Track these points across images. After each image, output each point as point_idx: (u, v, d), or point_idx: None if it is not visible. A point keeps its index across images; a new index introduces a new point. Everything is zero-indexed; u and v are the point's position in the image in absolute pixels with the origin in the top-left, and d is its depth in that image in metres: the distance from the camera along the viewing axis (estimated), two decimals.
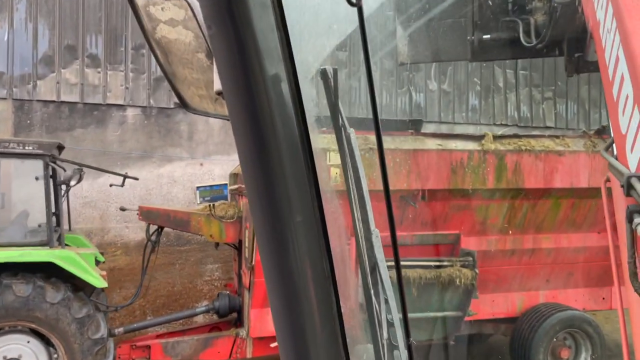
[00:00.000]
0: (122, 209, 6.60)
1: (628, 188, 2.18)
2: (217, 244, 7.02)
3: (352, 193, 1.21)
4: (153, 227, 6.74)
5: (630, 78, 2.34)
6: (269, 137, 0.79)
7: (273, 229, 0.83)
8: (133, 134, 8.43)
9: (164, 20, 1.46)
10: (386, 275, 1.15)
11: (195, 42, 1.45)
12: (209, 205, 5.67)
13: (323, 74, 1.06)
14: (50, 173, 6.49)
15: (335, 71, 1.07)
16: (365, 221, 1.18)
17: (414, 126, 6.31)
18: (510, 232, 6.73)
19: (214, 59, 0.88)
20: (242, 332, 6.53)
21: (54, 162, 5.75)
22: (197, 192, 5.38)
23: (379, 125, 1.02)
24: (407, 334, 1.07)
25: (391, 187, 4.53)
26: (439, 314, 6.43)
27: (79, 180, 5.72)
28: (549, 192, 6.47)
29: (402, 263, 6.12)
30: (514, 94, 11.23)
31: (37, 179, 5.59)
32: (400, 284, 1.08)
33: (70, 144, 8.13)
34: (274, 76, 0.78)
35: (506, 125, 11.04)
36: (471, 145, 6.36)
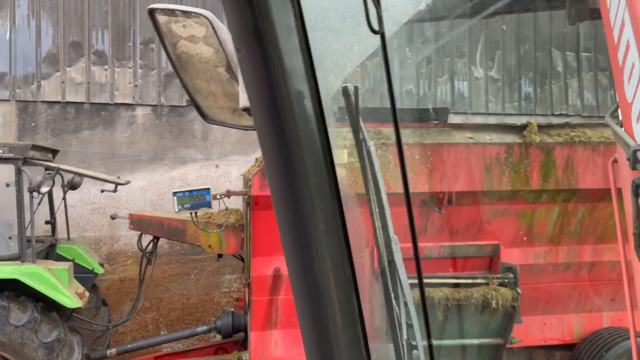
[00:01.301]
0: (113, 217, 5.98)
1: (634, 161, 2.10)
2: (219, 256, 6.26)
3: (372, 202, 1.25)
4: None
5: (637, 46, 2.16)
6: (294, 150, 0.85)
7: (298, 237, 0.89)
8: (143, 134, 7.85)
9: (185, 37, 1.50)
10: (405, 279, 1.21)
11: (215, 57, 1.48)
12: (191, 215, 4.91)
13: (345, 91, 1.15)
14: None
15: (356, 89, 1.15)
16: (385, 229, 1.25)
17: (438, 116, 5.27)
18: (562, 241, 5.55)
19: (239, 78, 0.99)
20: (245, 356, 5.74)
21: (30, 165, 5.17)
22: (175, 198, 4.63)
23: (399, 133, 1.08)
24: (429, 335, 1.13)
25: (411, 190, 3.23)
26: (475, 341, 5.35)
27: (52, 186, 5.11)
28: (610, 193, 5.22)
29: (425, 281, 5.13)
30: (576, 79, 9.82)
31: (7, 185, 5.02)
32: (421, 288, 1.10)
33: (77, 147, 7.66)
34: (298, 93, 0.84)
35: (567, 115, 9.66)
36: (510, 138, 5.25)
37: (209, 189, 4.60)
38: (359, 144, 1.19)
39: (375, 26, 0.88)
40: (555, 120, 8.97)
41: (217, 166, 8.07)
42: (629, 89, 2.31)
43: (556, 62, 9.75)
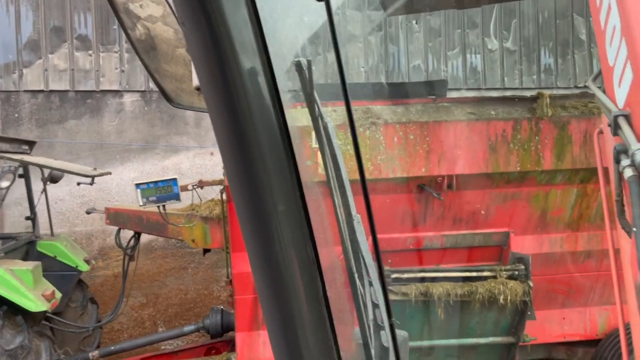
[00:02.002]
0: (89, 212, 5.58)
1: (615, 127, 2.11)
2: (204, 251, 5.82)
3: (332, 180, 1.20)
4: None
5: (618, 9, 2.17)
6: (248, 129, 0.81)
7: (256, 219, 0.85)
8: (132, 122, 7.44)
9: (143, 17, 1.49)
10: (369, 258, 1.16)
11: (175, 37, 1.50)
12: (159, 208, 4.46)
13: (298, 65, 1.06)
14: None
15: (309, 63, 1.06)
16: (347, 207, 1.18)
17: (435, 90, 4.68)
18: (582, 227, 4.93)
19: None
20: (234, 357, 5.31)
21: None
22: (138, 191, 4.17)
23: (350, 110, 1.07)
24: (389, 314, 1.12)
25: (406, 174, 4.02)
26: (482, 340, 4.80)
27: (13, 181, 4.72)
28: None
29: (425, 275, 4.58)
30: None
31: None
32: (380, 268, 1.15)
33: (63, 138, 7.30)
34: (250, 69, 0.80)
35: None
36: (518, 112, 4.63)
37: (175, 179, 4.13)
38: (315, 120, 1.13)
39: None
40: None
41: (212, 154, 7.62)
42: (611, 52, 2.24)
43: (579, 30, 8.95)
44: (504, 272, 4.63)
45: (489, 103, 4.68)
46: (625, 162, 2.04)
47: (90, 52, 7.37)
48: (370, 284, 1.18)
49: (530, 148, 4.57)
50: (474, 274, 4.65)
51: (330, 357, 0.96)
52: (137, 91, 7.46)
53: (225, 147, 0.82)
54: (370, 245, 1.16)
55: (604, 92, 2.36)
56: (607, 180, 2.49)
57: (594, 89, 2.47)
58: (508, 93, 8.65)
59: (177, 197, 4.24)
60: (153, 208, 5.05)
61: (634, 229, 2.01)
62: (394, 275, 4.62)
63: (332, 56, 7.75)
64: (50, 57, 7.30)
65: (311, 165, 3.72)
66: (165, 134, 7.56)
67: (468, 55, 8.52)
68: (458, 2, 3.88)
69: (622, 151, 2.09)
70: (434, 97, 4.68)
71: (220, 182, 4.63)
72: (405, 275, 4.63)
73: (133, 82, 7.46)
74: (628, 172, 2.02)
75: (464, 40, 8.50)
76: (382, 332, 1.15)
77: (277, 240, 0.86)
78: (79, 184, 5.61)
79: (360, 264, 1.19)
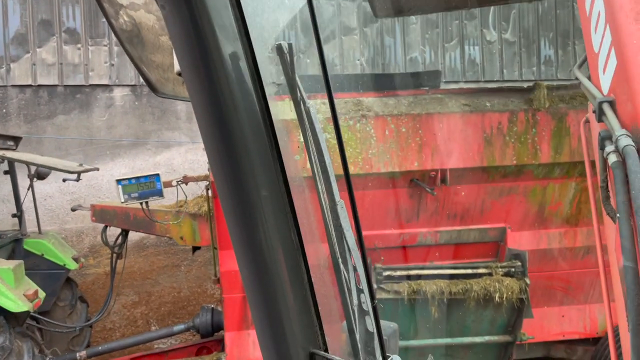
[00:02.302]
0: (74, 209, 5.44)
1: (599, 114, 2.12)
2: (194, 249, 5.68)
3: (315, 166, 1.18)
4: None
5: None
6: (231, 114, 0.80)
7: (240, 204, 0.84)
8: (123, 117, 7.29)
9: (126, 5, 1.42)
10: (353, 243, 1.16)
11: (158, 25, 1.43)
12: (141, 205, 4.32)
13: (279, 49, 1.04)
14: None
15: (290, 46, 1.04)
16: (330, 192, 1.17)
17: (428, 81, 4.51)
18: (581, 222, 4.77)
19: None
20: (224, 357, 5.18)
21: None
22: (119, 187, 4.03)
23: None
24: (372, 297, 1.15)
25: (398, 168, 3.96)
26: (477, 339, 4.65)
27: None
28: None
29: (419, 272, 4.43)
30: None
31: None
32: (362, 252, 1.13)
33: (52, 133, 7.16)
34: (231, 54, 0.79)
35: None
36: (514, 103, 4.47)
37: (158, 175, 3.99)
38: (297, 104, 1.11)
39: None
40: None
41: (204, 149, 7.46)
42: (596, 39, 2.23)
43: (580, 20, 8.75)
44: (500, 269, 4.49)
45: (484, 94, 4.52)
46: (609, 148, 2.02)
47: (79, 45, 7.22)
48: (355, 268, 1.18)
49: (527, 141, 4.42)
50: (469, 271, 4.51)
51: (315, 342, 0.95)
52: (128, 85, 7.31)
53: (206, 132, 0.81)
54: (353, 230, 1.17)
55: (589, 79, 2.33)
56: (594, 173, 2.40)
57: (579, 75, 2.45)
58: (507, 86, 8.48)
59: (160, 194, 4.09)
60: (137, 205, 4.91)
61: (618, 215, 1.97)
62: (386, 273, 4.47)
63: (327, 47, 7.58)
64: (38, 51, 7.15)
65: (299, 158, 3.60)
66: (157, 129, 7.41)
67: (466, 47, 8.34)
68: (447, 4, 3.70)
69: (606, 137, 2.06)
70: (427, 88, 4.52)
71: (205, 178, 4.48)
72: (398, 273, 4.48)
73: (123, 76, 7.30)
74: (612, 158, 1.99)
75: (462, 31, 8.32)
76: (366, 317, 1.15)
77: (260, 225, 0.85)
78: (64, 180, 5.47)
79: (344, 249, 1.18)
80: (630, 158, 1.90)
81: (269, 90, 0.87)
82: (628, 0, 2.07)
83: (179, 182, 4.38)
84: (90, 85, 7.22)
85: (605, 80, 2.15)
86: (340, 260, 1.18)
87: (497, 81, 8.38)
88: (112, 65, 7.27)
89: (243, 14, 0.79)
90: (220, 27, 0.76)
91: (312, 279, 0.95)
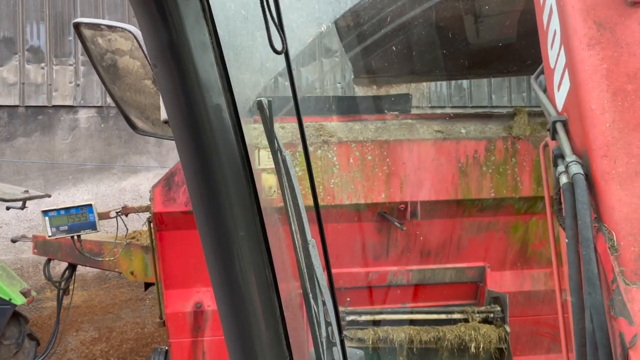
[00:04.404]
0: (14, 241, 5.00)
1: (553, 132, 2.17)
2: (146, 285, 5.22)
3: (289, 208, 1.31)
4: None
5: (558, 15, 2.19)
6: (213, 160, 0.89)
7: (219, 243, 0.93)
8: (87, 140, 6.89)
9: (112, 50, 1.52)
10: (323, 280, 1.25)
11: (142, 70, 1.49)
12: (73, 239, 3.88)
13: (259, 105, 1.15)
14: None
15: (269, 102, 1.16)
16: (302, 233, 1.30)
17: (397, 105, 4.12)
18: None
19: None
20: None
21: None
22: (46, 219, 3.59)
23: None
24: (340, 331, 1.26)
25: (363, 200, 3.86)
26: None
27: None
28: None
29: (386, 317, 3.97)
30: None
31: None
32: (332, 288, 1.25)
33: (10, 156, 6.75)
34: (215, 106, 0.88)
35: None
36: (492, 131, 4.06)
37: (91, 205, 3.56)
38: (275, 154, 1.21)
39: (278, 47, 0.96)
40: None
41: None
42: (552, 55, 2.25)
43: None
44: (478, 315, 4.02)
45: (459, 120, 4.11)
46: (561, 167, 2.05)
47: (43, 64, 6.86)
48: (324, 303, 1.25)
49: (505, 172, 3.99)
50: (442, 316, 4.04)
51: None
52: (94, 107, 6.93)
53: (190, 175, 0.90)
54: (323, 267, 1.23)
55: (545, 91, 2.33)
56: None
57: (535, 88, 2.45)
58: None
59: (92, 226, 3.66)
60: (86, 236, 4.47)
61: (566, 240, 2.03)
62: (350, 318, 4.01)
63: (306, 69, 7.24)
64: None
65: (275, 196, 3.22)
66: (124, 152, 7.00)
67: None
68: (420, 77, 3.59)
69: (558, 156, 2.09)
70: (395, 113, 4.11)
71: (147, 209, 4.04)
72: (363, 318, 4.02)
73: (89, 97, 6.93)
74: (563, 179, 2.02)
75: None
76: (334, 349, 1.24)
77: (237, 262, 0.94)
78: (8, 208, 5.03)
79: (315, 285, 1.24)
80: (578, 187, 1.93)
81: (248, 139, 0.94)
82: (582, 25, 2.07)
83: (119, 213, 3.94)
84: (54, 106, 6.85)
85: (560, 98, 2.17)
86: (310, 295, 1.25)
87: (484, 107, 8.02)
88: (78, 85, 6.91)
89: (227, 72, 0.88)
90: (206, 84, 0.84)
91: (284, 313, 1.00)
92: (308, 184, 1.38)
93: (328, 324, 1.24)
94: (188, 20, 0.80)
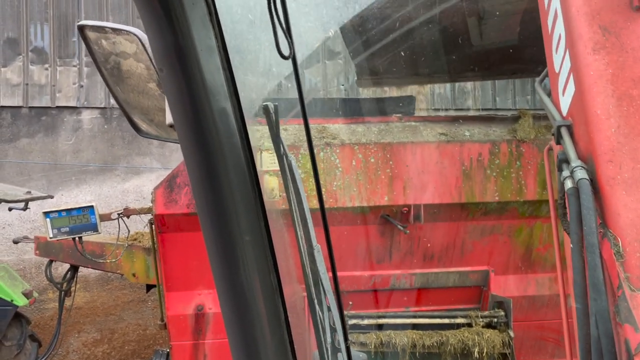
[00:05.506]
0: (16, 242, 4.99)
1: (558, 136, 2.17)
2: (148, 287, 5.20)
3: (295, 213, 1.30)
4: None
5: (563, 19, 2.18)
6: (218, 164, 0.89)
7: (224, 247, 0.93)
8: (90, 142, 6.89)
9: (116, 53, 1.51)
10: (328, 285, 1.23)
11: (146, 72, 1.49)
12: (74, 240, 3.87)
13: (265, 109, 1.14)
14: None
15: (276, 107, 1.15)
16: (308, 238, 1.28)
17: (401, 107, 4.09)
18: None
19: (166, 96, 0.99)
20: None
21: None
22: (47, 220, 3.58)
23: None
24: (346, 337, 1.26)
25: (366, 203, 3.83)
26: None
27: None
28: None
29: (389, 321, 3.94)
30: None
31: None
32: (337, 294, 1.22)
33: (14, 157, 6.76)
34: (221, 110, 0.88)
35: None
36: (496, 133, 4.03)
37: (92, 207, 3.55)
38: (280, 158, 1.20)
39: (285, 52, 0.96)
40: None
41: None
42: (557, 59, 2.24)
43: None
44: (481, 319, 3.98)
45: (463, 123, 4.08)
46: (566, 172, 2.04)
47: (47, 65, 6.87)
48: (329, 309, 1.24)
49: (510, 175, 3.96)
50: (446, 320, 4.00)
51: None
52: (97, 108, 6.94)
53: (195, 179, 0.90)
54: (329, 272, 1.22)
55: (549, 95, 2.31)
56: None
57: (540, 92, 2.41)
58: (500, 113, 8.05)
59: (94, 228, 3.65)
60: (88, 237, 4.46)
61: (571, 245, 2.02)
62: (352, 322, 3.98)
63: (310, 71, 7.22)
64: (2, 71, 6.80)
65: (277, 199, 3.20)
66: (127, 154, 7.00)
67: None
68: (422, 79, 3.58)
69: (563, 160, 2.08)
70: (399, 115, 4.09)
71: (149, 211, 4.03)
72: (365, 322, 3.99)
73: (92, 98, 6.94)
74: (568, 184, 2.01)
75: None
76: (339, 355, 1.24)
77: (242, 267, 0.93)
78: (10, 209, 5.03)
79: (320, 290, 1.23)
80: (584, 192, 1.91)
81: (252, 142, 0.93)
82: (587, 30, 2.07)
83: (120, 215, 3.93)
84: (57, 107, 6.85)
85: (565, 102, 2.16)
86: (315, 301, 1.26)
87: (489, 109, 7.98)
88: (82, 86, 6.91)
89: (233, 76, 0.87)
90: (212, 88, 0.84)
91: (289, 319, 1.00)
92: (312, 187, 1.42)
93: (333, 330, 1.23)
94: (194, 24, 0.81)
